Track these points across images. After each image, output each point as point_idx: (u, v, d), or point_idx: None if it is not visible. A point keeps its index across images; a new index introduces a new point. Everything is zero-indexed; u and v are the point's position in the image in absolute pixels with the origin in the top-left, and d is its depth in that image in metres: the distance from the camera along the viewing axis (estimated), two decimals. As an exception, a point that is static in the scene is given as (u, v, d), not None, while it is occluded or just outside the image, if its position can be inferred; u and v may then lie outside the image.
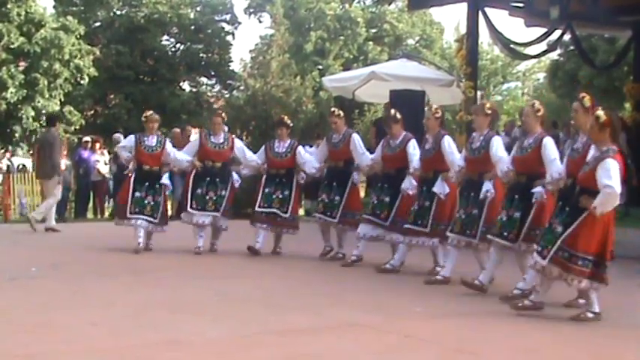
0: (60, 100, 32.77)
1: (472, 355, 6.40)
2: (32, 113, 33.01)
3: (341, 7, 44.27)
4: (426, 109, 10.54)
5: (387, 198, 10.63)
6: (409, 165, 10.39)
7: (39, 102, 33.00)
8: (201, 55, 44.31)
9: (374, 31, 44.80)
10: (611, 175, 7.22)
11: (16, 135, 35.53)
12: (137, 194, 11.72)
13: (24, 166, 30.74)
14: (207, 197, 11.83)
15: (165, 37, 44.93)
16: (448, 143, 9.88)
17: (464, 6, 16.74)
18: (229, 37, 45.70)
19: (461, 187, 9.66)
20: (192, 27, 44.44)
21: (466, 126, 16.13)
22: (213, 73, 44.58)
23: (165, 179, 12.02)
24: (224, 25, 45.90)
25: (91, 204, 20.53)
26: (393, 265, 10.34)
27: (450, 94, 18.91)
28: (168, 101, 37.72)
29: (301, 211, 19.82)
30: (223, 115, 12.62)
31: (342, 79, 21.70)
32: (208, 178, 11.89)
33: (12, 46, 34.20)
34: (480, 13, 16.30)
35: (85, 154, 20.02)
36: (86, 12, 42.78)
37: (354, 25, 42.69)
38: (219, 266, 10.74)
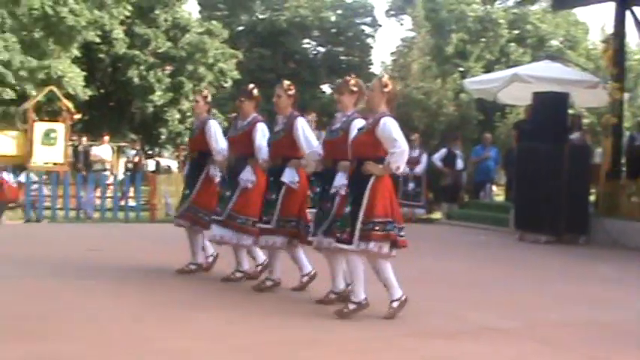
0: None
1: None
2: (178, 116, 33.91)
3: (483, 8, 43.84)
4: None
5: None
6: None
7: (184, 105, 33.89)
8: (341, 57, 44.64)
9: (516, 32, 44.16)
10: None
11: (162, 137, 36.59)
12: None
13: (169, 167, 31.52)
14: None
15: (307, 40, 45.46)
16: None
17: (610, 5, 16.30)
18: (370, 40, 45.96)
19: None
20: (333, 30, 44.82)
21: (612, 129, 15.72)
22: (353, 76, 44.79)
23: None
24: (365, 27, 46.14)
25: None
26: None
27: (595, 97, 18.43)
28: (310, 104, 38.13)
29: (439, 214, 19.75)
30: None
31: (484, 82, 21.48)
32: None
33: (159, 51, 35.22)
34: (628, 12, 15.85)
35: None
36: (230, 16, 43.71)
37: (495, 26, 42.20)
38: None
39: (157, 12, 35.89)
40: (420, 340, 6.65)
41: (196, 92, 10.22)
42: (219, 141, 9.16)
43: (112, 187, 19.90)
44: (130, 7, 31.54)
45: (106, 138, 26.21)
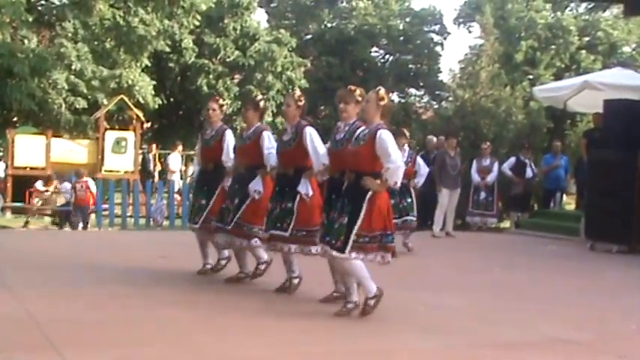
0: (272, 112, 33.69)
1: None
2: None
3: (552, 15, 43.35)
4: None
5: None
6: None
7: (252, 113, 34.01)
8: (410, 65, 44.52)
9: (587, 39, 43.55)
10: None
11: (231, 145, 36.74)
12: None
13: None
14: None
15: (375, 48, 45.42)
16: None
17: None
18: (438, 48, 45.74)
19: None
20: (402, 38, 44.74)
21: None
22: (422, 84, 44.69)
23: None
24: (433, 35, 45.96)
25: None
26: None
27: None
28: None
29: (507, 224, 19.57)
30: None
31: (554, 89, 21.26)
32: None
33: (228, 60, 35.49)
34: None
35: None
36: (298, 25, 43.87)
37: (566, 33, 41.67)
38: (431, 278, 10.69)
39: (226, 21, 36.19)
40: (494, 350, 6.58)
41: (217, 99, 9.72)
42: (230, 152, 9.18)
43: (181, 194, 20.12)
44: (199, 17, 31.83)
45: (180, 147, 26.28)
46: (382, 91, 7.54)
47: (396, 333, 6.96)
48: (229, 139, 9.30)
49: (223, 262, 9.56)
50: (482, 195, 17.90)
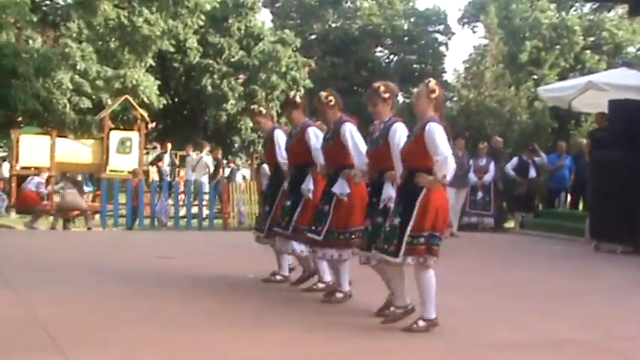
0: (277, 112, 33.66)
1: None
2: (251, 124, 34.01)
3: (557, 15, 43.33)
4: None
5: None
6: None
7: (257, 113, 34.09)
8: (414, 65, 44.51)
9: (592, 39, 43.54)
10: None
11: (236, 145, 36.84)
12: None
13: (243, 175, 31.73)
14: None
15: (379, 48, 45.43)
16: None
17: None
18: (442, 48, 45.74)
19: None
20: (406, 38, 44.74)
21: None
22: (426, 84, 44.52)
23: None
24: (437, 35, 45.95)
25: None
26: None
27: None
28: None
29: (512, 224, 19.54)
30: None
31: (558, 89, 21.22)
32: None
33: (232, 60, 35.51)
34: None
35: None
36: (302, 25, 43.89)
37: (570, 33, 41.65)
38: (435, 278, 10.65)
39: (230, 21, 36.23)
40: (497, 351, 6.58)
41: (255, 110, 9.45)
42: (282, 151, 8.89)
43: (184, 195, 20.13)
44: (203, 17, 31.84)
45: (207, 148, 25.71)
46: (432, 82, 7.00)
47: (398, 333, 6.93)
48: (279, 138, 9.00)
49: (306, 274, 9.07)
50: (480, 195, 17.92)
